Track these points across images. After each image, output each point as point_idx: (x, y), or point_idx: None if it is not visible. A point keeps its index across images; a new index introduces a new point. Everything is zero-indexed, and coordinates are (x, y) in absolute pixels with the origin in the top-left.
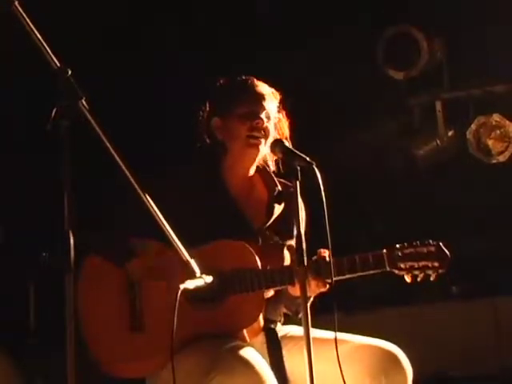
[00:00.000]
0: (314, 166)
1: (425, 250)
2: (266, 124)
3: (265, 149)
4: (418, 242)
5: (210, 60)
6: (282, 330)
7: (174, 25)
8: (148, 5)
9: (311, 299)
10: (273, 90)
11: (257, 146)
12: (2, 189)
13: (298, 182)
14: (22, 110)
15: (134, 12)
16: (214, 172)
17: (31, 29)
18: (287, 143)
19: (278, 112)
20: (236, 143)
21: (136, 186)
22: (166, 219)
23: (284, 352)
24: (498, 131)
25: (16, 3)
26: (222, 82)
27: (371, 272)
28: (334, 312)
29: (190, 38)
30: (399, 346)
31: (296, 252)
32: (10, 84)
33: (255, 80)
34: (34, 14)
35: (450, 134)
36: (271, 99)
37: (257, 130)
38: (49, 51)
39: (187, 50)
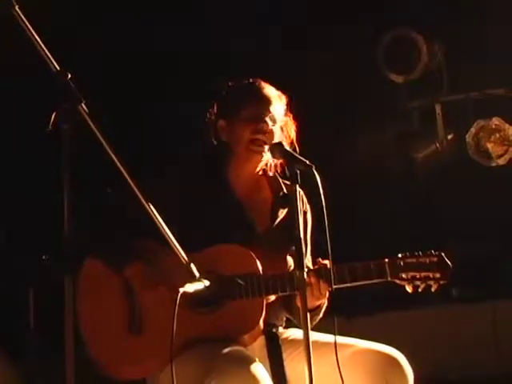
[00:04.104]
0: (314, 169)
1: (427, 260)
2: (270, 127)
3: (269, 154)
4: (420, 252)
5: (210, 60)
6: (283, 333)
7: (173, 25)
8: (147, 5)
9: (324, 306)
10: (279, 92)
11: (260, 153)
12: (2, 191)
13: (297, 186)
14: (22, 110)
15: (135, 12)
16: (218, 173)
17: (31, 33)
18: (287, 146)
19: (285, 115)
20: (240, 146)
21: (135, 189)
22: (168, 220)
23: (284, 356)
24: (498, 134)
25: (16, 7)
26: (229, 84)
27: (373, 281)
28: (334, 316)
29: (189, 38)
30: (399, 349)
31: (295, 255)
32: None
33: (262, 82)
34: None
35: (449, 137)
36: (278, 102)
37: (261, 133)
38: (48, 55)
39: (187, 50)
